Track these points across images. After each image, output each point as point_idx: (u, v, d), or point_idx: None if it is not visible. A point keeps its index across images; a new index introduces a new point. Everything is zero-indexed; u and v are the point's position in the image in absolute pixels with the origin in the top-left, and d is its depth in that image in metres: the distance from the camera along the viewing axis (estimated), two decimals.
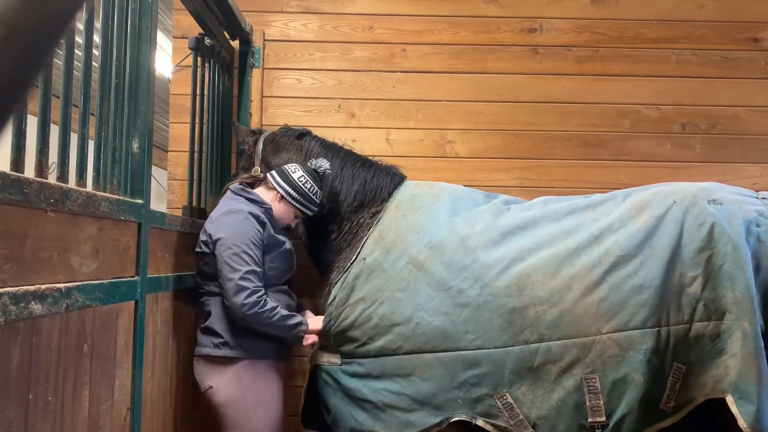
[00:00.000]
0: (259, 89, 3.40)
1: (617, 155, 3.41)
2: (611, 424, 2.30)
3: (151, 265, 2.10)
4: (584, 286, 2.35)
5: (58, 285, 1.47)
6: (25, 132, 1.47)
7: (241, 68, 3.40)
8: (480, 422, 2.39)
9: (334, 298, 2.56)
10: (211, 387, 2.39)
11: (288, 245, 2.58)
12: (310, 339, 2.54)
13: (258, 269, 2.36)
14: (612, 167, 3.40)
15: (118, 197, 1.89)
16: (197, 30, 3.02)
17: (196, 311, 2.60)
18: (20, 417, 1.35)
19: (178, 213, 2.99)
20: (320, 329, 2.55)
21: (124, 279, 1.88)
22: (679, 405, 2.30)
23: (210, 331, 2.42)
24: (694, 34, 3.46)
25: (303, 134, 2.94)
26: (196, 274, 2.53)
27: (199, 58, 3.00)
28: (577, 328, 2.32)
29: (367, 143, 3.36)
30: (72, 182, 1.66)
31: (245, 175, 2.76)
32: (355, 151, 2.97)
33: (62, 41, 1.40)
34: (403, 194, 2.78)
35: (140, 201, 2.00)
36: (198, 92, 2.99)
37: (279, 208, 2.57)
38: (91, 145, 1.80)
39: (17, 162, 1.46)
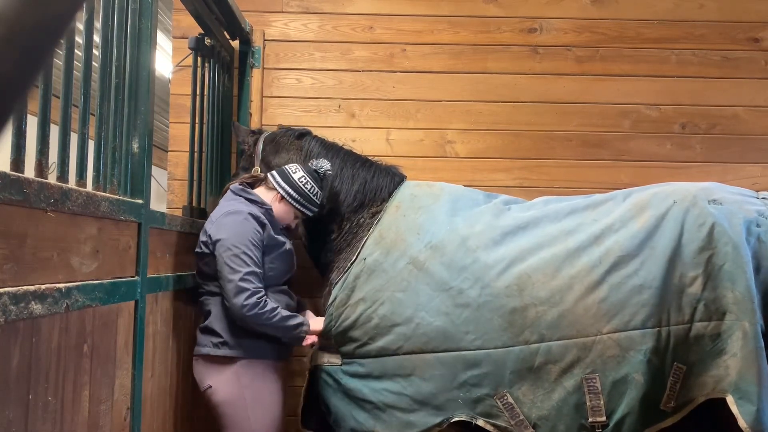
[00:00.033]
0: (259, 89, 3.40)
1: (617, 155, 3.41)
2: (611, 424, 2.30)
3: (151, 265, 2.10)
4: (584, 287, 2.35)
5: (58, 285, 1.47)
6: (25, 132, 1.47)
7: (241, 68, 3.40)
8: (480, 422, 2.39)
9: (335, 298, 2.56)
10: (210, 386, 2.39)
11: (288, 246, 2.58)
12: (310, 339, 2.54)
13: (258, 270, 2.36)
14: (612, 167, 3.40)
15: (118, 197, 1.89)
16: (197, 30, 3.02)
17: (196, 311, 2.60)
18: (20, 417, 1.35)
19: (178, 213, 2.99)
20: (321, 330, 2.55)
21: (124, 279, 1.88)
22: (680, 405, 2.30)
23: (209, 331, 2.42)
24: (694, 34, 3.46)
25: (303, 134, 2.94)
26: (196, 274, 2.53)
27: (199, 58, 3.00)
28: (578, 328, 2.32)
29: (367, 143, 3.36)
30: (72, 182, 1.66)
31: (246, 175, 2.75)
32: (355, 151, 2.97)
33: (62, 41, 1.40)
34: (403, 194, 2.77)
35: (140, 201, 2.00)
36: (198, 92, 2.99)
37: (279, 209, 2.57)
38: (91, 145, 1.80)
39: (17, 162, 1.46)
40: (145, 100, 2.04)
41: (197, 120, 2.98)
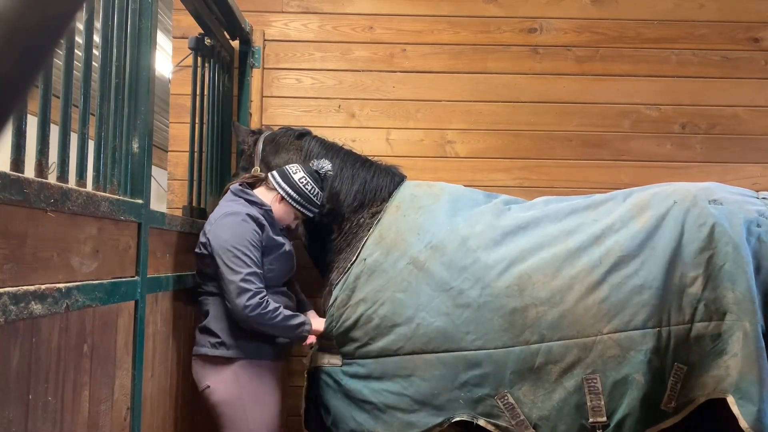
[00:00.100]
0: (259, 89, 3.40)
1: (617, 155, 3.41)
2: (612, 425, 2.30)
3: (151, 265, 2.10)
4: (585, 287, 2.34)
5: (58, 285, 1.47)
6: (25, 132, 1.47)
7: (241, 68, 3.40)
8: (481, 422, 2.39)
9: (336, 299, 2.56)
10: (209, 387, 2.39)
11: (288, 247, 2.57)
12: (310, 339, 2.54)
13: (258, 270, 2.36)
14: (612, 167, 3.40)
15: (118, 197, 1.89)
16: (197, 30, 3.02)
17: (196, 311, 2.60)
18: (20, 417, 1.35)
19: (178, 213, 2.99)
20: (322, 330, 2.55)
21: (124, 279, 1.88)
22: (680, 405, 2.30)
23: (208, 331, 2.42)
24: (694, 34, 3.46)
25: (303, 134, 2.94)
26: (196, 274, 2.53)
27: (199, 58, 3.00)
28: (578, 328, 2.32)
29: (367, 143, 3.35)
30: (72, 182, 1.66)
31: (246, 175, 2.75)
32: (355, 151, 2.97)
33: (62, 41, 1.40)
34: (403, 194, 2.77)
35: (140, 201, 2.00)
36: (198, 92, 2.99)
37: (279, 209, 2.57)
38: (91, 145, 1.80)
39: (17, 162, 1.46)
40: (145, 100, 2.04)
41: (197, 120, 2.98)
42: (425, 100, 3.43)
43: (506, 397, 2.36)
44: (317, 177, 2.61)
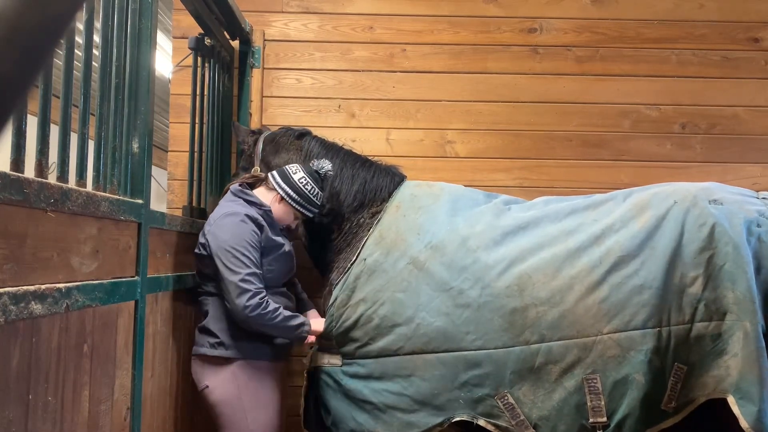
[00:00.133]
0: (259, 89, 3.39)
1: (617, 155, 3.41)
2: (612, 425, 2.30)
3: (151, 265, 2.10)
4: (585, 287, 2.34)
5: (58, 285, 1.47)
6: (25, 132, 1.47)
7: (241, 68, 3.40)
8: (481, 422, 2.39)
9: (336, 299, 2.56)
10: (207, 386, 2.39)
11: (287, 247, 2.57)
12: (310, 339, 2.54)
13: (258, 271, 2.36)
14: (612, 167, 3.40)
15: (118, 197, 1.89)
16: (197, 30, 3.02)
17: (196, 311, 2.60)
18: (20, 417, 1.35)
19: (178, 213, 2.99)
20: (322, 330, 2.54)
21: (124, 279, 1.88)
22: (681, 405, 2.30)
23: (207, 331, 2.42)
24: (694, 34, 3.46)
25: (303, 134, 2.94)
26: (196, 274, 2.53)
27: (199, 58, 3.00)
28: (578, 328, 2.32)
29: (367, 143, 3.35)
30: (72, 182, 1.66)
31: (247, 175, 2.75)
32: (355, 151, 2.97)
33: (62, 41, 1.40)
34: (403, 194, 2.77)
35: (140, 201, 2.00)
36: (198, 92, 2.99)
37: (279, 209, 2.56)
38: (91, 145, 1.80)
39: (17, 162, 1.46)
40: (145, 100, 2.04)
41: (197, 120, 2.98)
42: (425, 100, 3.43)
43: (506, 397, 2.36)
44: (317, 177, 2.60)
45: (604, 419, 2.30)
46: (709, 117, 3.42)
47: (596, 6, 3.47)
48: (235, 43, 3.38)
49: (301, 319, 2.44)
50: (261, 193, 2.60)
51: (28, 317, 1.34)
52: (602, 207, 2.57)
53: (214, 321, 2.41)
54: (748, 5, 3.46)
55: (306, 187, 2.55)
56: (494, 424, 2.38)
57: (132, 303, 1.95)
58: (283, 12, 3.46)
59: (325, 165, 2.64)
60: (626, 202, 2.53)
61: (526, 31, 3.46)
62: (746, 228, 2.32)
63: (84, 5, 1.64)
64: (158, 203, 2.77)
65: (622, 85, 3.43)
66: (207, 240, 2.39)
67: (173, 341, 2.42)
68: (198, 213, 2.96)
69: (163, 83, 5.52)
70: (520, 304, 2.37)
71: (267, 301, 2.31)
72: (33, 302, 1.36)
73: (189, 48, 2.95)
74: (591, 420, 2.31)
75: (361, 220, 2.74)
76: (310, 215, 2.63)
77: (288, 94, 3.44)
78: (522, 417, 2.35)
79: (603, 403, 2.30)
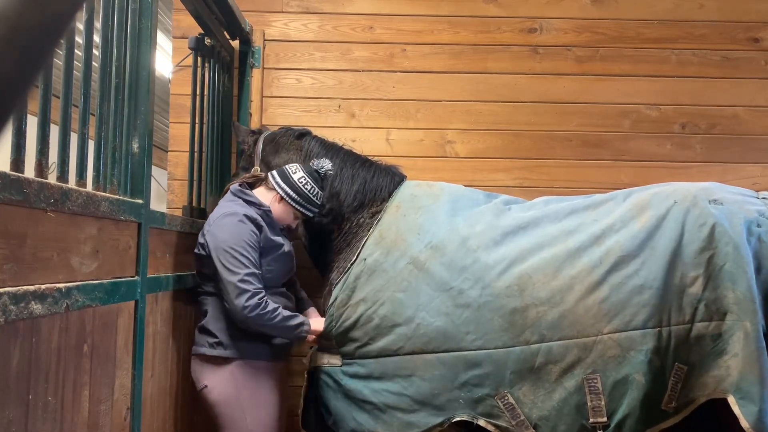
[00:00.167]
0: (259, 89, 3.39)
1: (617, 155, 3.41)
2: (612, 425, 2.30)
3: (151, 265, 2.10)
4: (585, 287, 2.34)
5: (58, 285, 1.47)
6: (25, 132, 1.47)
7: (241, 68, 3.40)
8: (481, 422, 2.38)
9: (335, 299, 2.56)
10: (206, 386, 2.39)
11: (287, 247, 2.57)
12: (310, 338, 2.54)
13: (257, 271, 2.35)
14: (612, 167, 3.40)
15: (118, 197, 1.89)
16: (197, 30, 3.02)
17: (196, 311, 2.60)
18: (20, 417, 1.35)
19: (178, 213, 2.99)
20: (322, 330, 2.54)
21: (124, 279, 1.88)
22: (681, 405, 2.30)
23: (206, 331, 2.42)
24: (694, 34, 3.46)
25: (303, 134, 2.94)
26: (196, 274, 2.53)
27: (199, 58, 3.00)
28: (578, 328, 2.32)
29: (367, 143, 3.35)
30: (72, 182, 1.66)
31: (247, 175, 2.75)
32: (355, 151, 2.97)
33: (62, 41, 1.40)
34: (403, 194, 2.77)
35: (140, 201, 2.00)
36: (198, 92, 2.99)
37: (278, 209, 2.56)
38: (91, 145, 1.80)
39: (17, 162, 1.46)
40: (145, 100, 2.04)
41: (197, 120, 2.98)
42: (425, 100, 3.43)
43: (506, 397, 2.36)
44: (317, 176, 2.60)
45: (604, 419, 2.30)
46: (709, 117, 3.42)
47: (596, 6, 3.47)
48: (235, 43, 3.38)
49: (300, 318, 2.44)
50: (261, 193, 2.60)
51: (28, 317, 1.34)
52: (602, 207, 2.57)
53: (213, 321, 2.41)
54: (748, 5, 3.46)
55: (305, 186, 2.54)
56: (494, 424, 2.38)
57: (132, 303, 1.95)
58: (283, 12, 3.46)
59: (325, 164, 2.64)
60: (626, 202, 2.53)
61: (526, 31, 3.46)
62: (746, 228, 2.32)
63: (84, 5, 1.64)
64: (158, 203, 2.77)
65: (622, 85, 3.43)
66: (206, 240, 2.39)
67: (173, 341, 2.42)
68: (198, 213, 2.96)
69: (163, 83, 5.52)
70: (521, 304, 2.36)
71: (266, 302, 2.31)
72: (33, 302, 1.36)
73: (189, 48, 2.95)
74: (591, 420, 2.31)
75: (361, 220, 2.74)
76: (310, 215, 2.63)
77: (288, 94, 3.44)
78: (522, 417, 2.35)
79: (603, 403, 2.30)
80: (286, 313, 2.38)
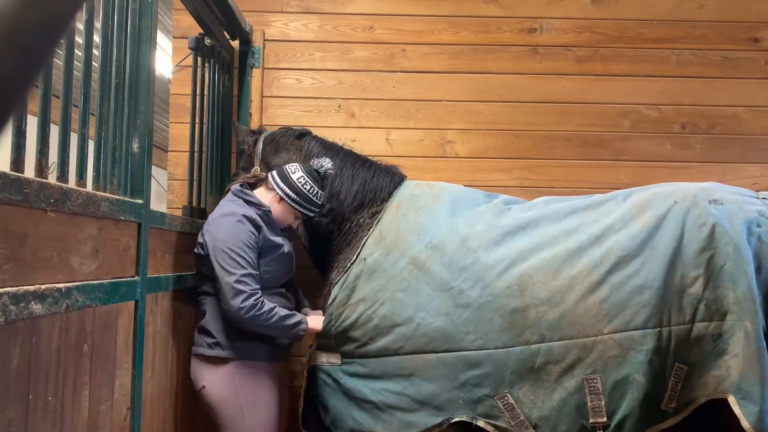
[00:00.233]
0: (259, 89, 3.39)
1: (617, 155, 3.41)
2: (612, 425, 2.30)
3: (151, 265, 2.10)
4: (585, 287, 2.34)
5: (58, 285, 1.47)
6: (25, 132, 1.47)
7: (241, 68, 3.40)
8: (481, 423, 2.38)
9: (335, 298, 2.55)
10: (204, 387, 2.39)
11: (287, 248, 2.56)
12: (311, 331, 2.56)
13: (254, 272, 2.35)
14: (612, 167, 3.40)
15: (118, 197, 1.89)
16: (197, 30, 3.02)
17: (196, 311, 2.60)
18: (20, 417, 1.35)
19: (178, 213, 2.99)
20: (320, 329, 2.54)
21: (124, 279, 1.88)
22: (681, 405, 2.30)
23: (204, 331, 2.42)
24: (694, 34, 3.46)
25: (303, 134, 2.94)
26: (195, 274, 2.53)
27: (199, 58, 3.00)
28: (578, 328, 2.32)
29: (367, 143, 3.35)
30: (72, 182, 1.66)
31: (248, 175, 2.75)
32: (355, 151, 2.97)
33: (62, 41, 1.40)
34: (403, 194, 2.77)
35: (140, 201, 2.00)
36: (198, 92, 2.99)
37: (278, 209, 2.56)
38: (91, 145, 1.80)
39: (17, 162, 1.46)
40: (145, 100, 2.04)
41: (197, 120, 2.98)
42: (425, 100, 3.43)
43: (506, 398, 2.36)
44: (316, 176, 2.59)
45: (604, 419, 2.30)
46: (709, 117, 3.42)
47: (596, 6, 3.47)
48: (235, 43, 3.38)
49: (297, 317, 2.44)
50: (261, 193, 2.59)
51: (28, 317, 1.34)
52: (602, 207, 2.57)
53: (211, 321, 2.41)
54: (748, 5, 3.46)
55: (305, 186, 2.54)
56: (493, 425, 2.37)
57: (132, 303, 1.95)
58: (283, 12, 3.46)
59: (325, 164, 2.62)
60: (626, 202, 2.53)
61: (526, 31, 3.46)
62: (746, 228, 2.32)
63: (84, 5, 1.64)
64: (158, 203, 2.77)
65: (622, 85, 3.43)
66: (205, 240, 2.39)
67: (173, 341, 2.42)
68: (198, 213, 2.96)
69: (163, 83, 5.52)
70: (521, 304, 2.36)
71: (262, 302, 2.31)
72: (33, 302, 1.36)
73: (189, 48, 2.95)
74: (591, 420, 2.31)
75: (361, 220, 2.74)
76: (310, 215, 2.63)
77: (288, 94, 3.44)
78: (522, 417, 2.35)
79: (603, 403, 2.30)
80: (283, 312, 2.38)
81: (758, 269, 2.28)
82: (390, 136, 3.41)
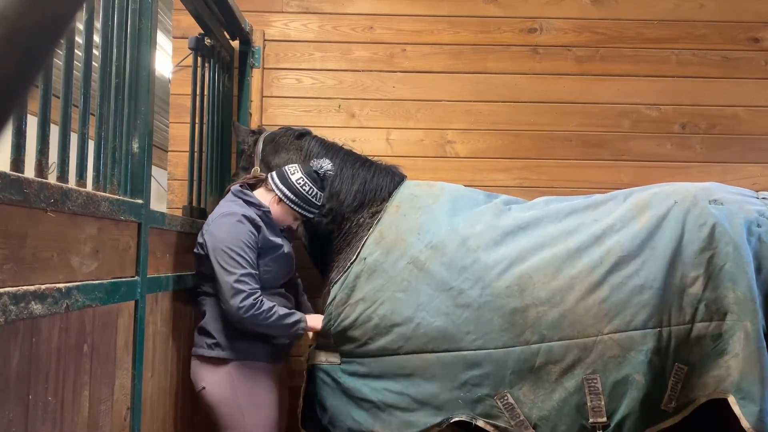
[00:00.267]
0: (259, 89, 3.39)
1: (617, 155, 3.41)
2: (612, 425, 2.30)
3: (151, 265, 2.10)
4: (585, 287, 2.34)
5: (58, 285, 1.47)
6: (25, 132, 1.47)
7: (241, 68, 3.40)
8: (480, 423, 2.38)
9: (334, 297, 2.55)
10: (204, 388, 2.39)
11: (287, 249, 2.56)
12: (311, 334, 2.55)
13: (253, 271, 2.35)
14: (612, 167, 3.40)
15: (118, 197, 1.89)
16: (197, 30, 3.02)
17: (196, 311, 2.60)
18: (20, 417, 1.35)
19: (178, 213, 2.99)
20: (320, 328, 2.54)
21: (124, 279, 1.88)
22: (681, 405, 2.30)
23: (204, 332, 2.42)
24: (694, 34, 3.46)
25: (303, 134, 2.94)
26: (195, 274, 2.53)
27: (199, 58, 3.00)
28: (578, 328, 2.32)
29: (367, 143, 3.35)
30: (72, 182, 1.66)
31: (248, 176, 2.75)
32: (355, 151, 2.97)
33: (62, 41, 1.40)
34: (403, 194, 2.77)
35: (140, 201, 2.00)
36: (198, 92, 2.99)
37: (277, 210, 2.55)
38: (91, 145, 1.80)
39: (17, 162, 1.46)
40: (145, 100, 2.04)
41: (197, 120, 2.98)
42: (425, 100, 3.43)
43: (506, 397, 2.36)
44: (316, 177, 2.58)
45: (604, 419, 2.30)
46: (709, 117, 3.42)
47: (596, 6, 3.47)
48: (235, 43, 3.38)
49: (297, 316, 2.44)
50: (261, 194, 2.59)
51: (28, 317, 1.34)
52: (602, 207, 2.57)
53: (211, 321, 2.42)
54: (748, 5, 3.46)
55: (304, 188, 2.53)
56: (493, 425, 2.37)
57: (132, 303, 1.95)
58: (283, 12, 3.46)
59: (325, 164, 2.61)
60: (626, 202, 2.53)
61: (526, 31, 3.46)
62: (746, 228, 2.32)
63: (84, 5, 1.64)
64: (158, 203, 2.77)
65: (622, 85, 3.43)
66: (205, 240, 2.39)
67: (173, 341, 2.42)
68: (198, 213, 2.96)
69: (163, 83, 5.52)
70: (521, 304, 2.36)
71: (261, 301, 2.31)
72: (33, 302, 1.36)
73: (189, 48, 2.95)
74: (591, 420, 2.31)
75: (361, 220, 2.74)
76: (310, 216, 2.62)
77: (288, 94, 3.44)
78: (522, 417, 2.35)
79: (603, 403, 2.30)
80: (282, 311, 2.38)
81: (758, 269, 2.28)
82: (390, 136, 3.41)
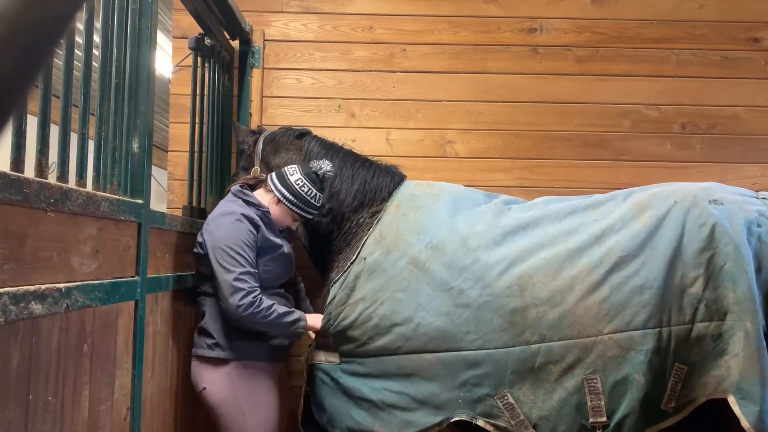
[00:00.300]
0: (259, 89, 3.39)
1: (617, 155, 3.41)
2: (612, 425, 2.30)
3: (151, 265, 2.10)
4: (585, 287, 2.34)
5: (58, 285, 1.47)
6: (25, 132, 1.47)
7: (241, 68, 3.40)
8: (480, 422, 2.38)
9: (334, 297, 2.55)
10: (204, 388, 2.39)
11: (286, 249, 2.56)
12: (311, 334, 2.55)
13: (253, 270, 2.35)
14: (612, 167, 3.40)
15: (118, 197, 1.89)
16: (197, 30, 3.02)
17: (196, 311, 2.60)
18: (20, 417, 1.35)
19: (178, 213, 2.99)
20: (319, 327, 2.54)
21: (124, 279, 1.88)
22: (681, 405, 2.30)
23: (204, 332, 2.42)
24: (694, 34, 3.46)
25: (303, 134, 2.94)
26: (195, 274, 2.53)
27: (199, 58, 3.00)
28: (578, 328, 2.32)
29: (367, 143, 3.35)
30: (72, 182, 1.66)
31: (248, 176, 2.75)
32: (355, 150, 2.97)
33: (62, 41, 1.40)
34: (403, 194, 2.77)
35: (140, 201, 2.00)
36: (198, 92, 2.99)
37: (276, 211, 2.55)
38: (91, 145, 1.80)
39: (17, 162, 1.46)
40: (145, 100, 2.04)
41: (197, 120, 2.98)
42: (425, 100, 3.43)
43: (506, 397, 2.36)
44: (315, 178, 2.57)
45: (604, 419, 2.30)
46: (709, 117, 3.42)
47: (596, 6, 3.47)
48: (235, 43, 3.38)
49: (296, 314, 2.44)
50: (260, 195, 2.59)
51: (28, 317, 1.34)
52: (602, 207, 2.57)
53: (211, 322, 2.41)
54: (748, 5, 3.46)
55: (302, 189, 2.53)
56: (493, 424, 2.37)
57: (132, 303, 1.95)
58: (283, 12, 3.46)
59: (324, 166, 2.61)
60: (626, 202, 2.53)
61: (526, 31, 3.46)
62: (746, 228, 2.32)
63: (84, 5, 1.64)
64: (158, 203, 2.77)
65: (622, 85, 3.43)
66: (204, 239, 2.39)
67: (173, 341, 2.42)
68: (198, 213, 2.96)
69: (163, 83, 5.52)
70: (521, 304, 2.36)
71: (260, 299, 2.31)
72: (33, 302, 1.36)
73: (189, 48, 2.95)
74: (591, 420, 2.31)
75: (361, 220, 2.74)
76: (309, 216, 2.62)
77: (288, 94, 3.44)
78: (522, 417, 2.35)
79: (603, 403, 2.30)
80: (282, 309, 2.38)
81: (758, 269, 2.28)
82: (390, 136, 3.41)
